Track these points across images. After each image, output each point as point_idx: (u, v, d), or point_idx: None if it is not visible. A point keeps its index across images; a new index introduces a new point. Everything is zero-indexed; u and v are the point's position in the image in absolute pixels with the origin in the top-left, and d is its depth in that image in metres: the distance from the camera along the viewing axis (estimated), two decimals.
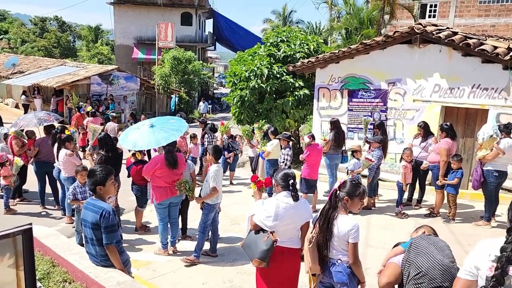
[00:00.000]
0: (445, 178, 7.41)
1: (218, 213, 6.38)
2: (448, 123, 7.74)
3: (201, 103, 25.09)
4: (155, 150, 9.15)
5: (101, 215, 3.64)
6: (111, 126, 12.55)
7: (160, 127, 5.97)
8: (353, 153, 8.20)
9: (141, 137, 5.88)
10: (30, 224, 2.31)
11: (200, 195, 6.00)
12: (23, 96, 21.54)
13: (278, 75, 11.44)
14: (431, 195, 8.30)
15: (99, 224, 3.65)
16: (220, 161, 6.24)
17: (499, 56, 7.89)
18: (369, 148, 8.40)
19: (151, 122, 6.12)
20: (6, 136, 8.90)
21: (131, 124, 9.70)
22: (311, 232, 3.55)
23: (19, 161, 8.04)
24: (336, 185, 3.50)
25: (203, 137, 11.03)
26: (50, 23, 54.37)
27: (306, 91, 11.27)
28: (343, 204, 3.46)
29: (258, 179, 4.26)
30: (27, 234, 2.28)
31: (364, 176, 9.40)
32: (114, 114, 15.80)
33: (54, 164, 7.89)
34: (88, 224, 3.71)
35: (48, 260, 4.32)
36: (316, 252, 3.49)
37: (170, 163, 6.01)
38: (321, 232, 3.45)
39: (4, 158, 7.92)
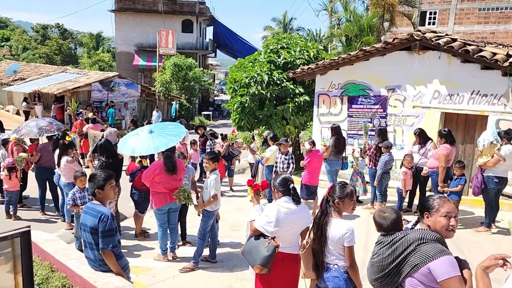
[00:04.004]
0: (445, 184, 7.41)
1: (218, 220, 6.37)
2: (446, 129, 7.76)
3: (154, 112, 21.02)
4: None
5: (99, 219, 3.64)
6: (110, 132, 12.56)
7: (159, 133, 5.99)
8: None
9: (140, 143, 5.90)
10: (28, 226, 2.31)
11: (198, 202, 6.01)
12: (24, 103, 21.59)
13: (278, 82, 11.47)
14: None
15: (97, 228, 3.65)
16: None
17: (498, 62, 7.92)
18: (372, 153, 8.48)
19: (150, 128, 6.14)
20: (5, 142, 8.91)
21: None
22: (306, 238, 3.55)
23: (23, 155, 8.12)
24: (325, 192, 3.52)
25: (204, 143, 11.05)
26: (52, 31, 54.63)
27: (306, 98, 11.29)
28: (336, 208, 3.47)
29: (255, 182, 4.27)
30: (25, 236, 2.28)
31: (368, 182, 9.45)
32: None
33: (55, 170, 7.91)
34: (87, 229, 3.71)
35: (47, 265, 4.31)
36: (310, 258, 3.49)
37: (168, 168, 6.02)
38: (316, 240, 3.46)
39: (11, 162, 8.02)
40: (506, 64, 7.85)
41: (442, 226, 2.70)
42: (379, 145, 8.45)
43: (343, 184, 3.55)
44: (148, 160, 8.80)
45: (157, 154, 7.28)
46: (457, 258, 2.76)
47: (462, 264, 2.75)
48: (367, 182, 8.93)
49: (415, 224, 2.91)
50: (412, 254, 2.67)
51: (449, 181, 7.45)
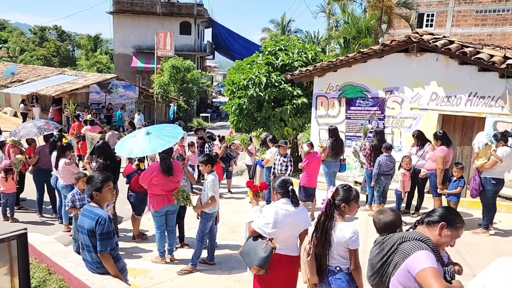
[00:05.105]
0: (444, 186, 7.41)
1: (217, 222, 6.35)
2: (441, 131, 7.78)
3: (136, 114, 20.51)
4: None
5: (97, 222, 3.63)
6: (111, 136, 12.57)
7: (156, 134, 5.97)
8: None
9: (137, 144, 5.89)
10: (25, 229, 2.30)
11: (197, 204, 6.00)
12: (22, 105, 21.54)
13: (276, 84, 11.48)
14: (429, 203, 8.29)
15: (95, 230, 3.64)
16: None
17: (495, 64, 7.94)
18: (367, 153, 8.50)
19: (147, 129, 6.13)
20: (2, 144, 8.88)
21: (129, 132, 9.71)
22: (308, 243, 3.54)
23: (20, 156, 8.12)
24: (329, 195, 3.49)
25: (202, 145, 11.03)
26: (50, 32, 54.62)
27: (304, 100, 11.31)
28: (340, 212, 3.46)
29: (253, 183, 4.27)
30: (22, 238, 2.27)
31: (357, 182, 9.51)
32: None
33: (52, 172, 7.88)
34: (85, 231, 3.70)
35: (44, 268, 4.29)
36: (314, 263, 3.47)
37: (164, 170, 6.01)
38: (320, 244, 3.43)
39: (8, 164, 8.00)
40: (503, 66, 7.86)
41: (447, 243, 2.73)
42: (375, 145, 8.47)
43: (348, 187, 3.53)
44: (148, 161, 8.79)
45: (149, 157, 7.28)
46: (455, 263, 2.76)
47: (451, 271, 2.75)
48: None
49: (412, 228, 2.89)
50: (394, 254, 2.70)
51: (447, 183, 7.47)
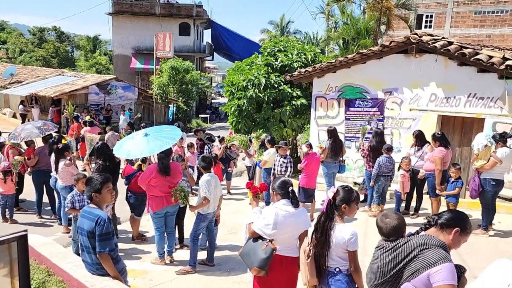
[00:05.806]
0: (442, 187, 7.42)
1: (217, 224, 6.33)
2: (439, 132, 7.79)
3: (121, 115, 19.91)
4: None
5: (96, 223, 3.63)
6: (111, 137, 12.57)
7: (155, 136, 5.98)
8: None
9: (135, 146, 5.89)
10: (25, 230, 2.30)
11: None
12: (21, 106, 21.51)
13: (276, 85, 11.49)
14: (428, 204, 8.30)
15: (94, 232, 3.63)
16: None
17: (494, 65, 7.95)
18: (366, 154, 8.52)
19: (145, 131, 6.13)
20: (1, 145, 8.86)
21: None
22: (308, 245, 3.53)
23: (18, 158, 8.11)
24: (330, 195, 3.49)
25: (201, 147, 11.03)
26: (49, 33, 54.63)
27: (304, 101, 11.31)
28: (340, 212, 3.45)
29: (253, 185, 4.27)
30: (22, 240, 2.27)
31: (356, 183, 9.50)
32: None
33: (51, 173, 7.87)
34: (84, 232, 3.70)
35: (43, 269, 4.29)
36: (314, 264, 3.47)
37: (161, 170, 6.01)
38: (319, 244, 3.43)
39: (7, 166, 7.98)
40: (502, 67, 7.88)
41: (455, 247, 2.80)
42: (373, 146, 8.48)
43: (350, 188, 3.53)
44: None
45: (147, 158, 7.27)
46: (459, 266, 2.77)
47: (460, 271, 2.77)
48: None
49: (422, 230, 2.90)
50: (413, 260, 2.68)
51: (445, 184, 7.47)
